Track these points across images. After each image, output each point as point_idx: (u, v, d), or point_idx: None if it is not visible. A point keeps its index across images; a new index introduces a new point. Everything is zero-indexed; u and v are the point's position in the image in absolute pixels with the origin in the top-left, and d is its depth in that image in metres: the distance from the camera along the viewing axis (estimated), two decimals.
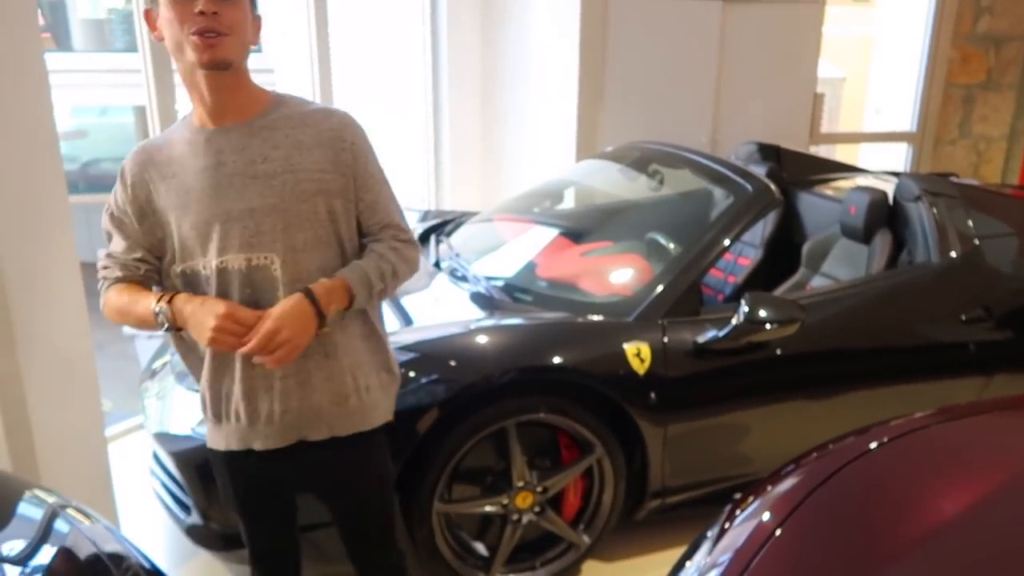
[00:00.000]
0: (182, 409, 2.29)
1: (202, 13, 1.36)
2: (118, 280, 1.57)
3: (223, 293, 1.50)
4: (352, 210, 1.55)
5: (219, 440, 1.62)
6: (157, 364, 2.75)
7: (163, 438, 2.25)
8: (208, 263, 1.50)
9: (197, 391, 2.31)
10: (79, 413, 2.33)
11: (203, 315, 1.44)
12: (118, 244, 1.56)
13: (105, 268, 1.58)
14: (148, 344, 5.27)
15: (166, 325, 1.48)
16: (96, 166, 9.68)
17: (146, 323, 1.49)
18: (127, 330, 5.67)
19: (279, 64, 7.40)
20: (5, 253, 2.08)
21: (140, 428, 2.96)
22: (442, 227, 3.27)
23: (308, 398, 1.55)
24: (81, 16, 8.99)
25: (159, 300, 1.48)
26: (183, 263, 1.53)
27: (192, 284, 1.54)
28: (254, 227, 1.47)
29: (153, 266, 1.57)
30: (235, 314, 1.43)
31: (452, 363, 2.14)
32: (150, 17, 1.47)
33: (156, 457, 2.37)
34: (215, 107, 1.47)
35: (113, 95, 8.51)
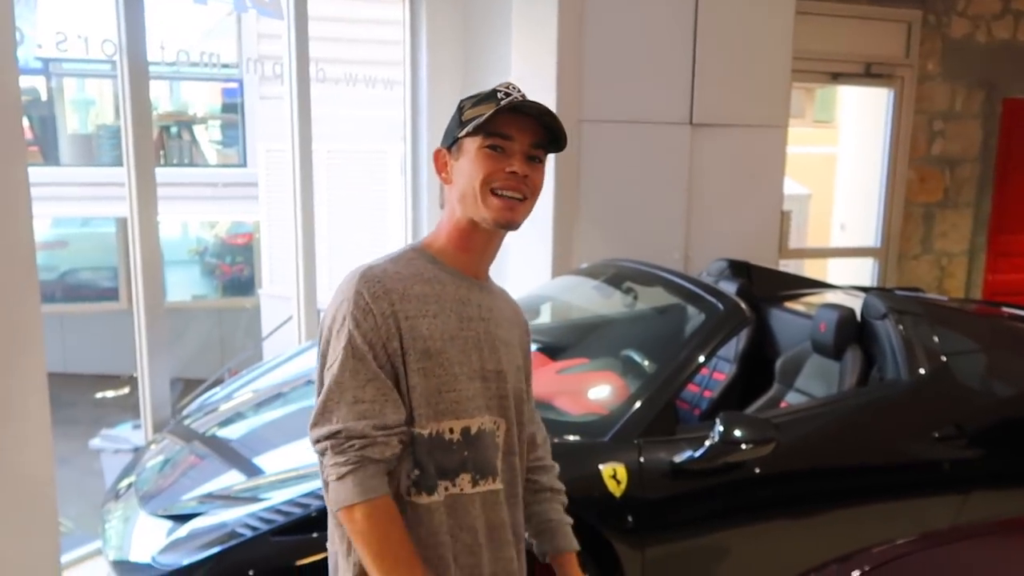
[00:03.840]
0: (145, 535, 2.21)
1: (514, 173, 1.29)
2: (385, 475, 1.27)
3: (481, 458, 1.34)
4: None
5: None
6: (122, 485, 2.67)
7: (122, 567, 2.16)
8: (457, 425, 1.32)
9: (161, 516, 2.26)
10: (34, 542, 2.23)
11: None
12: (379, 401, 1.26)
13: (366, 442, 1.24)
14: (115, 460, 5.11)
15: None
16: (74, 276, 9.69)
17: None
18: (93, 443, 5.48)
19: (265, 177, 7.60)
20: None
21: (98, 554, 2.84)
22: None
23: None
24: (70, 131, 9.23)
25: None
26: (429, 424, 1.30)
27: (433, 450, 1.30)
28: (504, 389, 1.37)
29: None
30: None
31: None
32: (440, 158, 1.37)
33: None
34: (477, 260, 1.38)
35: (96, 207, 8.64)
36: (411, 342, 1.28)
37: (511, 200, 1.30)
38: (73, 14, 8.06)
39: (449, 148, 1.36)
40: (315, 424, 1.27)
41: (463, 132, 1.31)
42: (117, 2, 2.99)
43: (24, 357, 2.17)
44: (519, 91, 1.32)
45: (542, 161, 1.34)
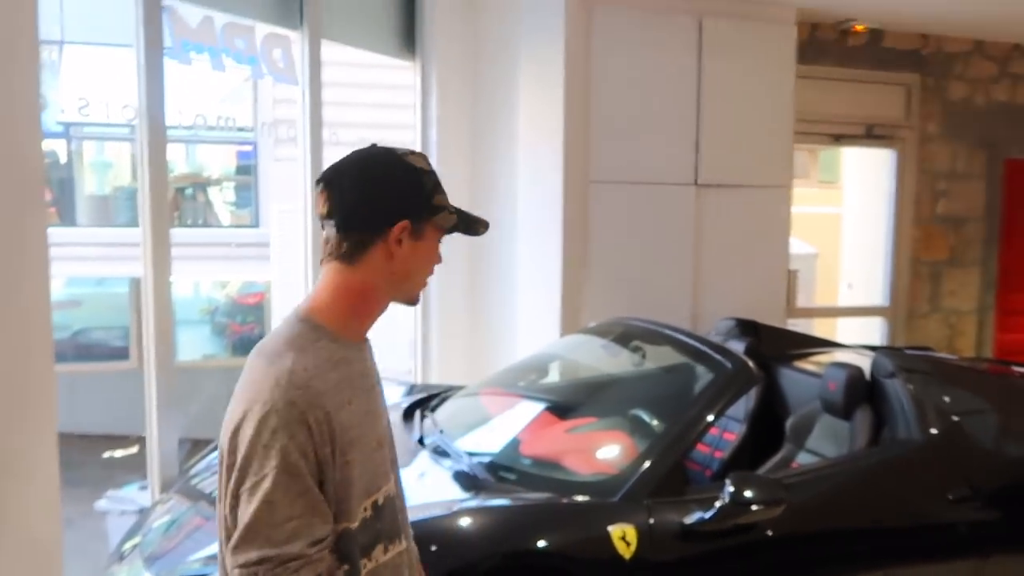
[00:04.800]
0: None
1: (439, 259, 1.39)
2: None
3: (389, 525, 1.36)
4: None
5: None
6: (127, 547, 2.66)
7: None
8: (369, 502, 1.32)
9: None
10: None
11: None
12: (307, 515, 1.19)
13: (302, 563, 1.17)
14: (120, 522, 5.06)
15: None
16: (86, 335, 9.73)
17: None
18: (99, 505, 5.44)
19: (277, 237, 7.71)
20: None
21: None
22: (427, 401, 3.28)
23: None
24: (88, 192, 9.41)
25: None
26: (358, 512, 1.28)
27: (358, 536, 1.28)
28: (393, 450, 1.42)
29: None
30: None
31: (433, 548, 2.08)
32: (404, 232, 1.31)
33: None
34: (368, 325, 1.39)
35: (111, 267, 8.73)
36: (340, 436, 1.25)
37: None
38: (95, 79, 8.33)
39: (417, 224, 1.32)
40: (240, 547, 1.17)
41: (448, 224, 1.37)
42: (139, 68, 3.09)
43: (36, 417, 2.19)
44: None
45: None
